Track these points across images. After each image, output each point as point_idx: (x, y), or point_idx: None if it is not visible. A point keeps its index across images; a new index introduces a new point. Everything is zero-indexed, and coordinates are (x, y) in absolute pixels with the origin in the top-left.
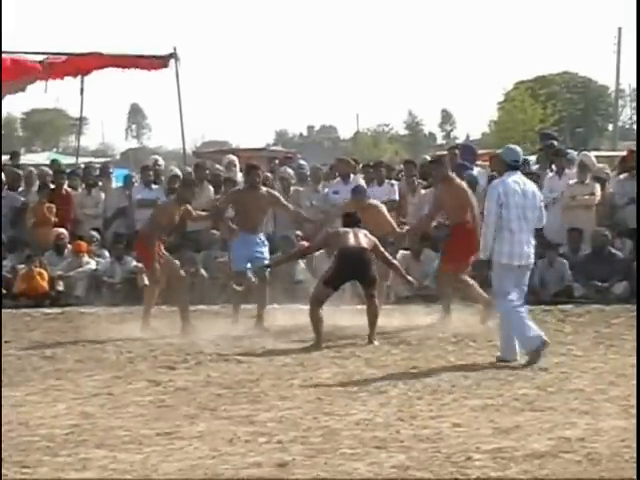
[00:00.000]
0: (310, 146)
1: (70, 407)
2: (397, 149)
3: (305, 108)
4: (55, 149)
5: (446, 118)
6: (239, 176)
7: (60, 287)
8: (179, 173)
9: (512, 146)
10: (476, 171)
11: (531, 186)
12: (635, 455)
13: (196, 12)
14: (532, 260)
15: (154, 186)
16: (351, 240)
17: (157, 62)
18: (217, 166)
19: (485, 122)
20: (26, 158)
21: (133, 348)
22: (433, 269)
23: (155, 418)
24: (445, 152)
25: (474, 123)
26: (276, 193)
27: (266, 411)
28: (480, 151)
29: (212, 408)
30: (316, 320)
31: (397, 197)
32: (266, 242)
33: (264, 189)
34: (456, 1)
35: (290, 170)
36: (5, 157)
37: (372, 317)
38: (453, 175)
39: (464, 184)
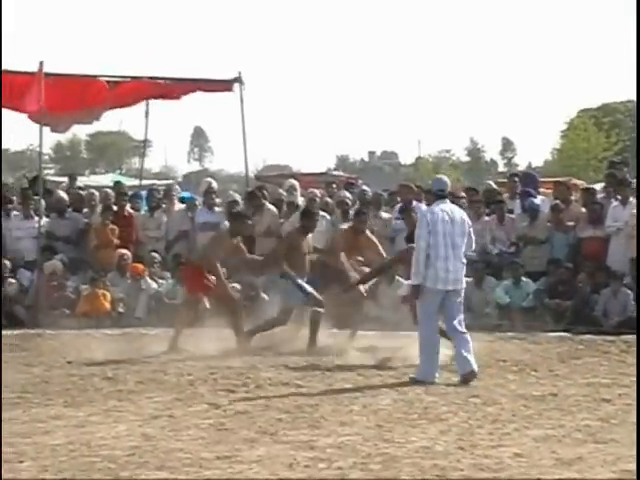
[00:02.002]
0: (371, 171)
1: (131, 428)
2: (459, 176)
3: (366, 133)
4: (118, 171)
5: (507, 146)
6: (300, 200)
7: (121, 308)
8: (237, 198)
9: (439, 176)
10: (539, 199)
11: (459, 213)
12: None
13: (261, 38)
14: (462, 285)
15: (217, 209)
16: None
17: (222, 86)
18: (279, 190)
19: (547, 150)
20: (90, 179)
21: (193, 370)
22: (494, 297)
23: (215, 441)
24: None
25: (536, 151)
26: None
27: (326, 436)
28: (542, 179)
29: (272, 432)
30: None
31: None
32: None
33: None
34: (520, 29)
35: (349, 194)
36: (65, 179)
37: None
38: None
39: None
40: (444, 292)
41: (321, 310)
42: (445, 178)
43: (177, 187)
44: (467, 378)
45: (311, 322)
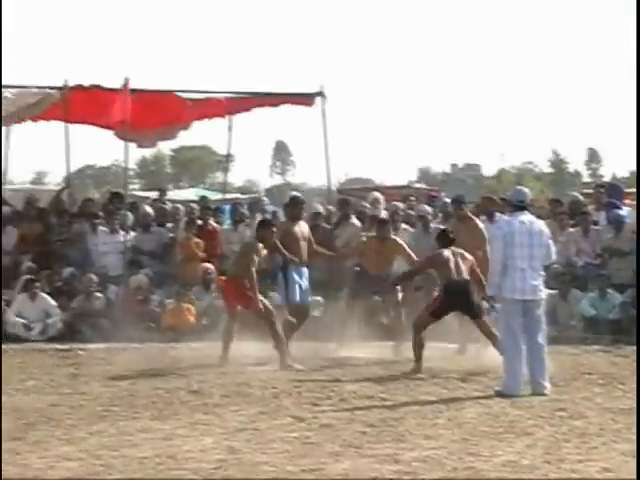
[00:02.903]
0: (453, 183)
1: (217, 442)
2: (542, 187)
3: (449, 145)
4: (202, 185)
5: (593, 156)
6: (383, 213)
7: (206, 322)
8: (321, 210)
9: (518, 187)
10: (624, 210)
11: (538, 225)
12: None
13: (343, 50)
14: (541, 296)
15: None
16: (453, 271)
17: (304, 100)
18: (363, 203)
19: (632, 160)
20: (174, 194)
21: (278, 384)
22: (579, 309)
23: (300, 455)
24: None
25: (621, 161)
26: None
27: (410, 450)
28: (627, 190)
29: (356, 446)
30: (419, 346)
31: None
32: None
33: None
34: (605, 35)
35: (428, 208)
36: (154, 194)
37: (487, 332)
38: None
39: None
40: (522, 302)
41: (293, 320)
42: (524, 189)
43: (265, 199)
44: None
45: (284, 330)
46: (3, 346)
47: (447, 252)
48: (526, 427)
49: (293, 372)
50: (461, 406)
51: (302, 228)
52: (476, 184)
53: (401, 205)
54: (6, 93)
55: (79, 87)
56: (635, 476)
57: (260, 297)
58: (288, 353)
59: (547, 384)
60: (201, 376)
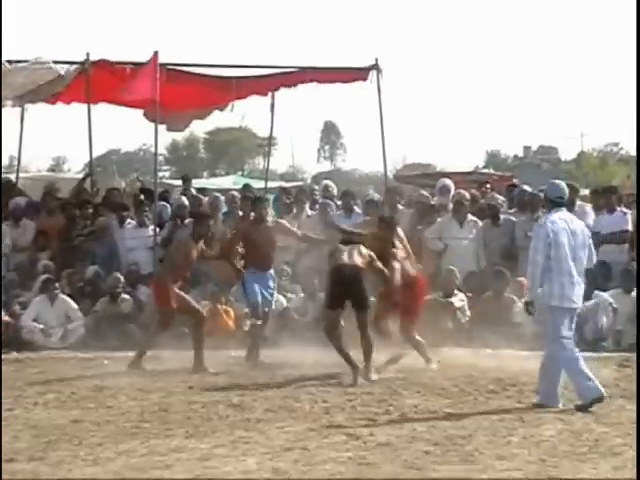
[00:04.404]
0: (526, 169)
1: (261, 462)
2: (629, 172)
3: (521, 126)
4: (240, 172)
5: None
6: (450, 203)
7: (246, 327)
8: (376, 198)
9: (556, 181)
10: None
11: (579, 224)
12: None
13: (401, 21)
14: (580, 303)
15: (357, 211)
16: (345, 258)
17: (356, 75)
18: (422, 192)
19: None
20: (209, 182)
21: (328, 397)
22: None
23: (355, 477)
24: None
25: None
26: (282, 221)
27: (481, 472)
28: None
29: (419, 467)
30: (339, 349)
31: (629, 227)
32: (274, 277)
33: (269, 221)
34: None
35: (499, 197)
36: (177, 182)
37: (367, 348)
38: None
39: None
40: (571, 310)
41: (259, 323)
42: (562, 183)
43: (317, 187)
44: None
45: (251, 336)
46: (19, 355)
47: (343, 247)
48: (613, 446)
49: (346, 385)
50: (538, 422)
51: (267, 232)
52: (553, 169)
53: (467, 194)
54: (21, 69)
55: (102, 62)
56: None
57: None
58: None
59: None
60: (242, 388)
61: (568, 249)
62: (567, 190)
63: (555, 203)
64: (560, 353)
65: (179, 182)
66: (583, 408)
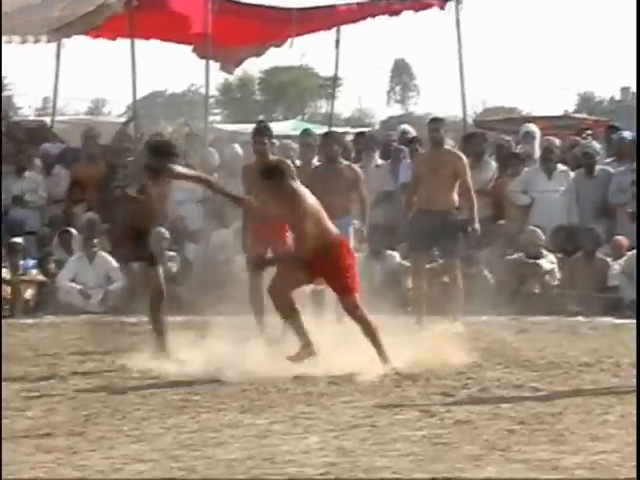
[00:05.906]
0: (625, 113)
1: (324, 441)
2: None
3: (617, 65)
4: (300, 116)
5: None
6: (537, 152)
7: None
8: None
9: None
10: None
11: None
12: None
13: None
14: None
15: None
16: None
17: (431, 4)
18: (506, 137)
19: None
20: None
21: (399, 368)
22: None
23: (430, 458)
24: None
25: None
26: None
27: (573, 454)
28: None
29: (503, 448)
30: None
31: None
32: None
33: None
34: None
35: (597, 144)
36: (241, 127)
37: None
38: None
39: None
40: None
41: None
42: None
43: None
44: None
45: None
46: (55, 318)
47: None
48: None
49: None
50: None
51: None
52: None
53: (557, 141)
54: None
55: None
56: (635, 476)
57: None
58: None
59: None
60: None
61: None
62: None
63: None
64: None
65: (233, 127)
66: None
